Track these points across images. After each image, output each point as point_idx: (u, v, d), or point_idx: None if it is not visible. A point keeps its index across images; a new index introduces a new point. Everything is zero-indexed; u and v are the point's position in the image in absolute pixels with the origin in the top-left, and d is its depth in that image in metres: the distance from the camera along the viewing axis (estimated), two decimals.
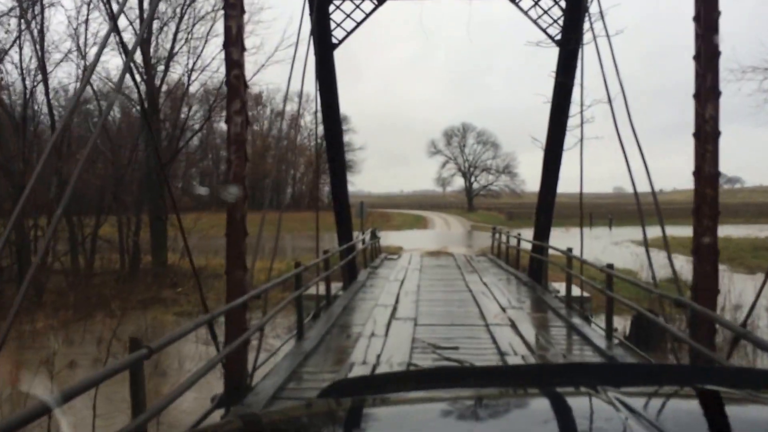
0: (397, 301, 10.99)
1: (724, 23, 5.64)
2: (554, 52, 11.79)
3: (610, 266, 7.96)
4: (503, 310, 10.05)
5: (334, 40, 11.68)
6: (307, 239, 24.03)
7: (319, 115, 12.18)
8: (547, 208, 12.86)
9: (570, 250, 10.39)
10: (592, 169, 12.50)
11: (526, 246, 16.73)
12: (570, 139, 12.15)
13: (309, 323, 9.84)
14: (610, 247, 33.12)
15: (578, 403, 1.24)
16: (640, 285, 7.88)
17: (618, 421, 1.04)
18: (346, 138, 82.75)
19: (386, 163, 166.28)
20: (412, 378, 1.60)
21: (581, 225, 9.83)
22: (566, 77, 11.16)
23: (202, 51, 28.61)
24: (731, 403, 1.24)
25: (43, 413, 2.56)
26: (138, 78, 24.32)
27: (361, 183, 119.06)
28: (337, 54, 11.76)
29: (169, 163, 23.89)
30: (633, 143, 6.86)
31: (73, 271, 22.27)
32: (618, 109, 7.75)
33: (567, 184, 12.84)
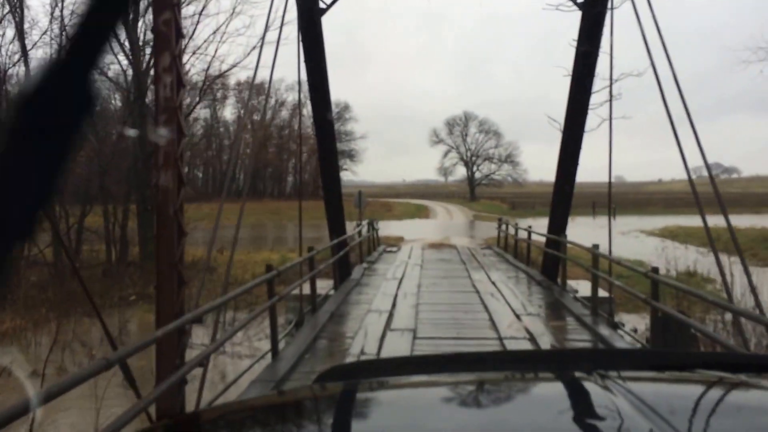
0: (393, 306, 9.54)
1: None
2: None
3: (655, 270, 6.47)
4: (517, 317, 8.61)
5: (322, 5, 10.13)
6: (309, 228, 22.80)
7: (302, 93, 10.67)
8: (564, 198, 11.30)
9: (596, 246, 8.91)
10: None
11: (535, 238, 15.33)
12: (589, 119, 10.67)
13: (291, 332, 8.46)
14: (619, 238, 31.63)
15: (575, 388, 1.23)
16: (725, 305, 5.89)
17: (615, 405, 1.00)
18: (348, 127, 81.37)
19: (389, 153, 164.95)
20: (411, 363, 1.57)
21: (609, 216, 8.36)
22: (590, 46, 9.59)
23: (193, 32, 27.03)
24: (730, 388, 1.22)
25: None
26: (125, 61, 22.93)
27: (364, 172, 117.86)
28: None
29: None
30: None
31: (55, 264, 20.91)
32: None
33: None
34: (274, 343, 6.83)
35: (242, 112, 71.72)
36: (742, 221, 34.56)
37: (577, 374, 1.26)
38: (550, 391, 1.27)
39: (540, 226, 16.97)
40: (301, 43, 9.51)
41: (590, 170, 11.15)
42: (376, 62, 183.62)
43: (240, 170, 79.46)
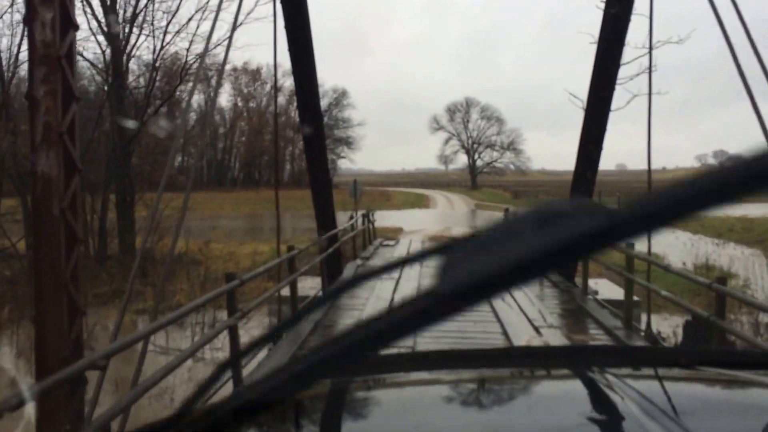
0: None
1: None
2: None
3: (722, 281, 5.03)
4: (536, 330, 7.21)
5: None
6: (307, 219, 21.59)
7: (281, 67, 9.20)
8: (586, 186, 9.85)
9: (631, 246, 7.48)
10: None
11: None
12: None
13: (269, 349, 7.09)
14: None
15: (579, 386, 1.16)
16: None
17: (623, 404, 0.94)
18: (346, 113, 79.63)
19: (388, 141, 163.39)
20: (410, 359, 1.42)
21: None
22: (621, 6, 8.10)
23: (178, 8, 25.47)
24: (741, 387, 1.14)
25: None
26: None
27: (362, 160, 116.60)
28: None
29: (134, 137, 20.88)
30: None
31: (29, 258, 19.50)
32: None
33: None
34: (235, 370, 5.40)
35: (239, 99, 70.25)
36: (753, 210, 32.64)
37: (583, 372, 1.15)
38: (555, 390, 1.19)
39: None
40: (279, 4, 8.04)
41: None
42: (376, 48, 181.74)
43: (236, 159, 77.95)
